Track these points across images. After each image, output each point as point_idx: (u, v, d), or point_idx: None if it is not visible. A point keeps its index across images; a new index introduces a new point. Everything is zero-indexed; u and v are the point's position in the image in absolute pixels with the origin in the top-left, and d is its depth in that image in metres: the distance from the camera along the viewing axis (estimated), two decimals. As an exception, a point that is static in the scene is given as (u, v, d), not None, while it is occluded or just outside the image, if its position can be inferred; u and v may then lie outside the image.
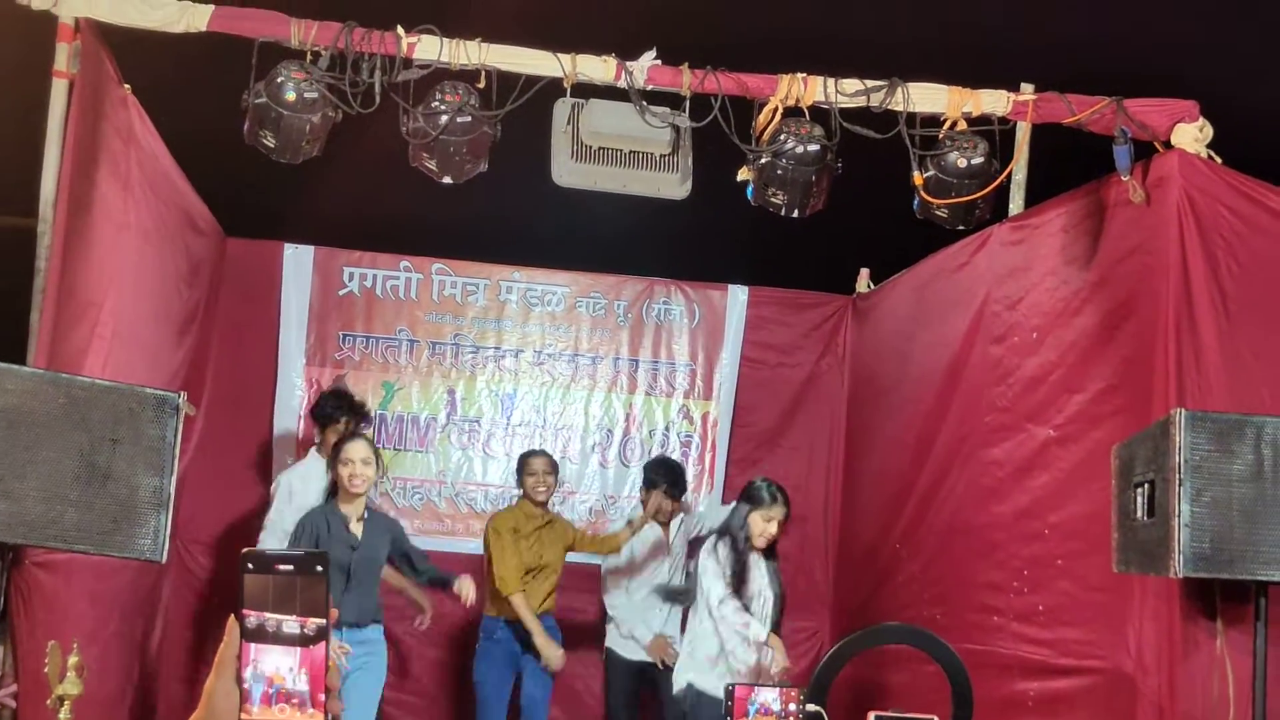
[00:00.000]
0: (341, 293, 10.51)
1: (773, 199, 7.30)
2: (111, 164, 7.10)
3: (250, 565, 2.05)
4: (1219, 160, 6.53)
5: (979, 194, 7.18)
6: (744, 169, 7.27)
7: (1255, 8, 7.34)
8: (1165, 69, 7.32)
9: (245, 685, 2.05)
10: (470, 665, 9.40)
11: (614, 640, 9.77)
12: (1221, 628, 5.86)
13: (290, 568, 2.04)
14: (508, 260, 10.73)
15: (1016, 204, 7.64)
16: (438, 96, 7.07)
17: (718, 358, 10.86)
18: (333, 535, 8.22)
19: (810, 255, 9.99)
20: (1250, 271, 6.37)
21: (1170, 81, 6.87)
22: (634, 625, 9.58)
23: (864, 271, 10.63)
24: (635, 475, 10.55)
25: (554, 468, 9.46)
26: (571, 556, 9.51)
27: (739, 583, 8.36)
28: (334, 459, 8.39)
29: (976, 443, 8.02)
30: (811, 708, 5.27)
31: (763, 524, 8.40)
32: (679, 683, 8.58)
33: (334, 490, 8.38)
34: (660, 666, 9.48)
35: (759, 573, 8.43)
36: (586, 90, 7.31)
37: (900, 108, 7.19)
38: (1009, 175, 7.40)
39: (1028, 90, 7.28)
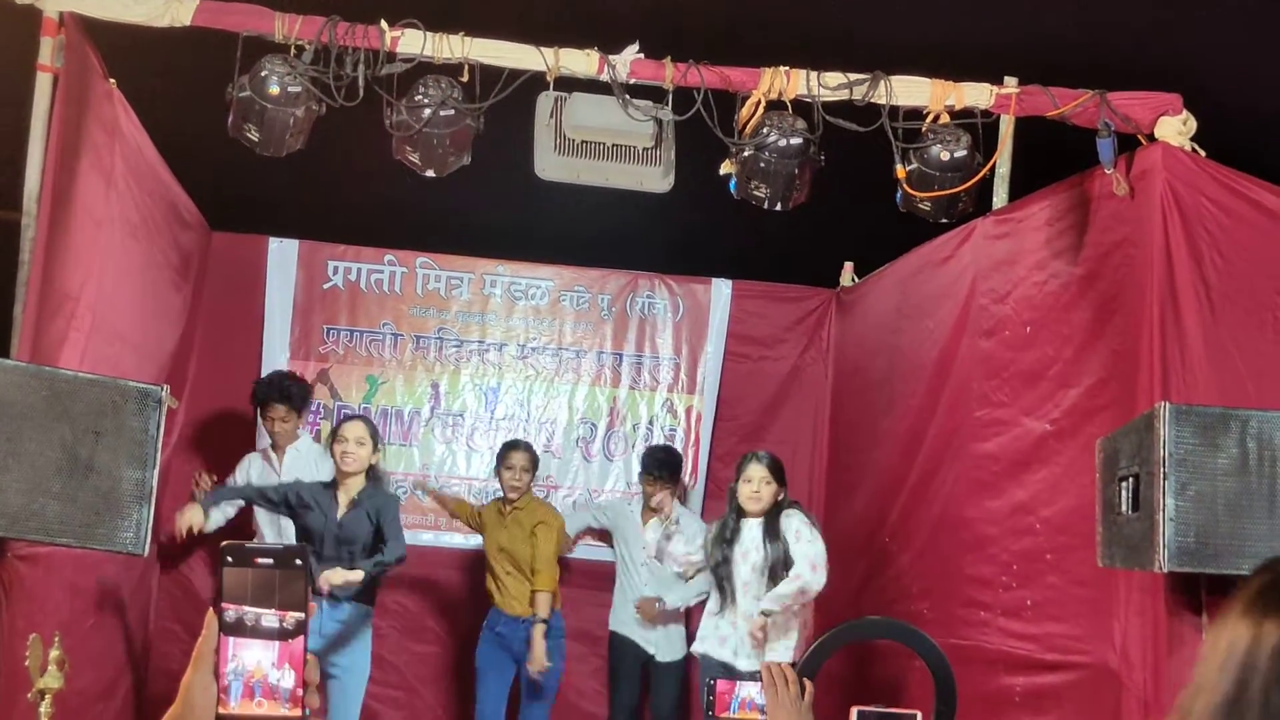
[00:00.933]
0: (326, 286, 10.50)
1: (755, 192, 7.29)
2: (96, 158, 7.08)
3: (229, 559, 2.05)
4: (1203, 153, 6.53)
5: (962, 187, 7.17)
6: (727, 162, 7.27)
7: (1239, 1, 7.34)
8: (1149, 62, 7.34)
9: (224, 679, 2.05)
10: (456, 658, 9.43)
11: (618, 619, 9.85)
12: (1206, 622, 5.85)
13: (269, 561, 2.04)
14: (492, 254, 10.73)
15: (1000, 197, 7.64)
16: (421, 90, 7.06)
17: (701, 351, 10.86)
18: (309, 503, 8.46)
19: (794, 249, 10.00)
20: (1234, 264, 6.37)
21: (1154, 74, 6.88)
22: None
23: (848, 265, 10.63)
24: (619, 469, 10.57)
25: (533, 463, 9.46)
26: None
27: (726, 544, 8.55)
28: (333, 437, 8.55)
29: (967, 437, 8.02)
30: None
31: (744, 486, 8.52)
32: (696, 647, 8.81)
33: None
34: (668, 656, 9.72)
35: (750, 534, 8.51)
36: (569, 84, 7.30)
37: (883, 101, 7.18)
38: (992, 168, 7.40)
39: (1011, 83, 7.27)
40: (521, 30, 7.15)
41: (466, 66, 7.08)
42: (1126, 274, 6.56)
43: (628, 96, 7.23)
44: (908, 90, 7.22)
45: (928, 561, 8.46)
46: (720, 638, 8.51)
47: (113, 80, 7.25)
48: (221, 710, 2.05)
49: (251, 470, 9.44)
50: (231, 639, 2.05)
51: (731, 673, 7.26)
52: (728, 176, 7.31)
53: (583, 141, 7.45)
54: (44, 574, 6.82)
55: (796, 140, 7.16)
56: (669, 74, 7.17)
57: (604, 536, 10.26)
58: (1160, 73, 6.90)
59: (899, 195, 7.28)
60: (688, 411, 10.82)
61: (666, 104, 7.29)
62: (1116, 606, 6.38)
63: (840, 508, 10.19)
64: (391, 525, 8.53)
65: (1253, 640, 2.13)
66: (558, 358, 10.76)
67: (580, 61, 7.17)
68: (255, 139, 7.02)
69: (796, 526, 8.48)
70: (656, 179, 7.57)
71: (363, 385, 10.45)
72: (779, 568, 8.39)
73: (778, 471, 8.61)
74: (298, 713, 2.07)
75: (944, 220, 7.47)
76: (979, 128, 7.27)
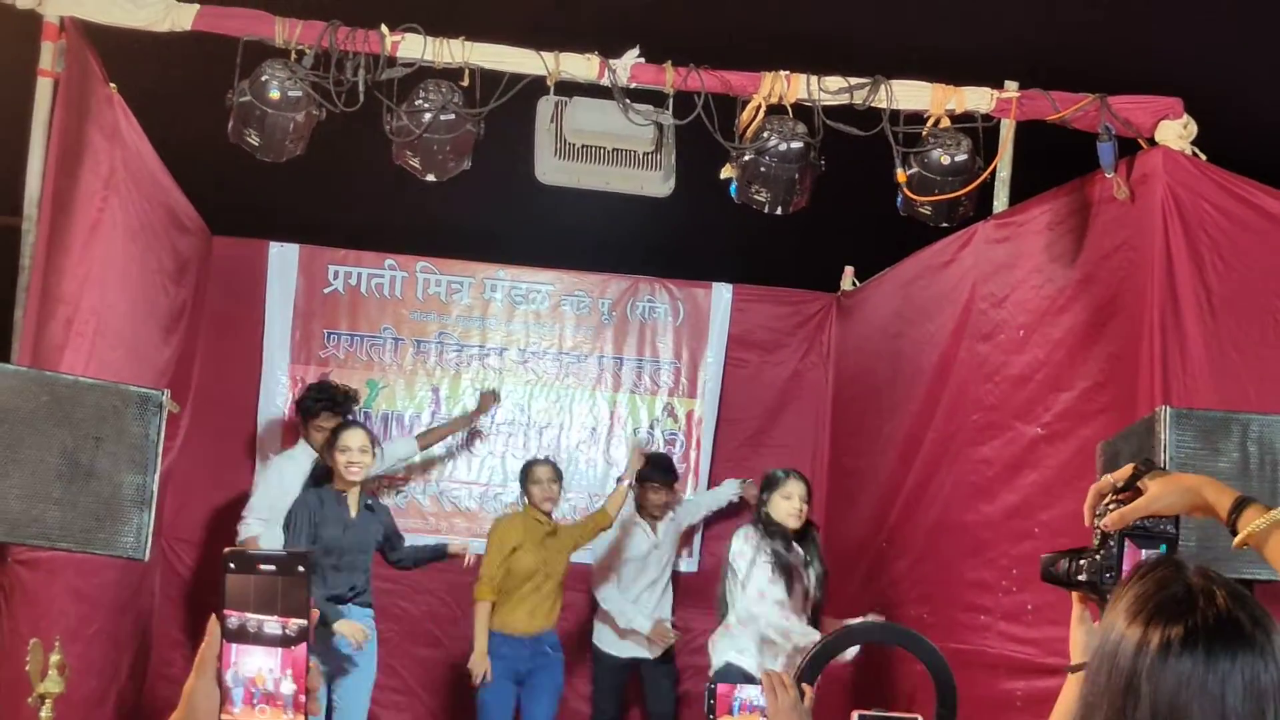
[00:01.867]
0: (326, 291, 10.49)
1: (756, 196, 7.30)
2: (96, 163, 7.09)
3: (232, 565, 2.05)
4: (1203, 157, 6.53)
5: (962, 191, 7.18)
6: (727, 166, 7.27)
7: (1239, 5, 7.34)
8: (1149, 66, 7.33)
9: (226, 686, 2.05)
10: (458, 661, 9.40)
11: (601, 637, 9.78)
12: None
13: (272, 568, 2.04)
14: (492, 258, 10.72)
15: (1000, 201, 7.64)
16: (421, 95, 7.07)
17: (702, 356, 10.85)
18: (326, 513, 8.33)
19: (794, 253, 9.99)
20: (1235, 268, 6.37)
21: (1154, 78, 6.88)
22: (632, 618, 9.56)
23: (848, 269, 10.62)
24: (620, 473, 10.55)
25: (559, 476, 9.38)
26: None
27: (782, 569, 8.18)
28: (330, 446, 8.44)
29: (964, 441, 8.01)
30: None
31: (784, 502, 8.27)
32: (717, 661, 8.48)
33: (324, 478, 8.43)
34: (659, 655, 9.65)
35: (799, 553, 8.34)
36: (570, 88, 7.31)
37: (883, 105, 7.19)
38: (993, 172, 7.40)
39: (1011, 87, 7.28)
40: (522, 34, 7.16)
41: (467, 71, 7.08)
42: (1127, 278, 6.56)
43: (628, 101, 7.24)
44: (908, 94, 7.23)
45: (927, 566, 8.46)
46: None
47: (113, 85, 7.25)
48: (224, 716, 2.05)
49: (284, 472, 9.21)
50: (234, 645, 2.05)
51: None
52: (728, 181, 7.31)
53: (583, 146, 7.46)
54: (45, 579, 6.82)
55: (797, 144, 7.17)
56: (669, 78, 7.18)
57: None
58: (1161, 76, 6.90)
59: (899, 199, 7.29)
60: (688, 416, 10.81)
61: (667, 108, 7.30)
62: (1118, 610, 6.37)
63: (841, 512, 10.18)
64: (395, 528, 8.83)
65: (1139, 643, 2.16)
66: (558, 362, 10.74)
67: (581, 66, 7.17)
68: (256, 144, 7.03)
69: (817, 538, 8.50)
70: (657, 183, 7.58)
71: (363, 389, 10.42)
72: (823, 582, 8.37)
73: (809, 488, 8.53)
74: (300, 719, 2.07)
75: (944, 224, 7.47)
76: (979, 132, 7.27)
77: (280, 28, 6.97)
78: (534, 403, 10.71)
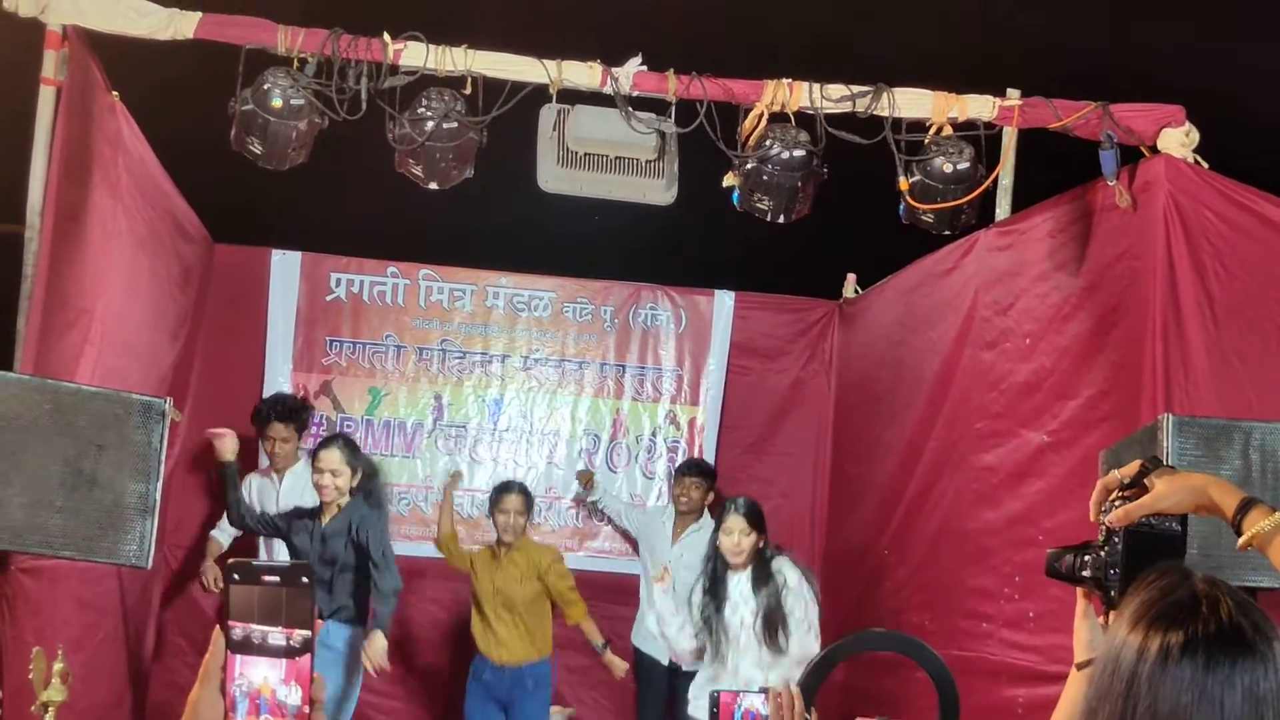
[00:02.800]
0: (329, 298, 10.50)
1: (758, 204, 7.30)
2: (100, 171, 7.09)
3: (236, 576, 2.05)
4: (1205, 165, 6.54)
5: (964, 199, 7.18)
6: (730, 174, 7.27)
7: (1242, 12, 7.34)
8: (1151, 74, 7.34)
9: (231, 697, 2.05)
10: (450, 670, 9.41)
11: (641, 639, 9.81)
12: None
13: (276, 579, 2.04)
14: (494, 266, 10.73)
15: (1003, 209, 7.65)
16: (424, 103, 7.07)
17: (704, 363, 10.86)
18: (297, 525, 8.40)
19: (796, 260, 10.00)
20: (1236, 276, 6.37)
21: (1156, 86, 6.88)
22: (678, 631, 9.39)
23: (850, 276, 10.63)
24: (621, 481, 10.57)
25: (528, 506, 9.14)
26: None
27: (715, 597, 7.83)
28: (313, 463, 8.42)
29: (967, 448, 8.01)
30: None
31: (724, 538, 7.81)
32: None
33: None
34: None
35: (734, 587, 7.82)
36: (572, 96, 7.31)
37: (886, 113, 7.19)
38: (995, 180, 7.41)
39: (1014, 95, 7.28)
40: (524, 43, 7.16)
41: (469, 79, 7.09)
42: (1129, 286, 6.57)
43: (630, 109, 7.24)
44: (910, 102, 7.24)
45: (929, 573, 8.46)
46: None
47: (116, 93, 7.26)
48: (228, 726, 2.06)
49: (251, 491, 9.32)
50: (238, 656, 2.05)
51: None
52: (730, 188, 7.31)
53: (586, 154, 7.46)
54: (48, 587, 6.82)
55: (799, 152, 7.17)
56: (672, 86, 7.18)
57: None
58: (1163, 85, 6.90)
59: (902, 207, 7.28)
60: (690, 423, 10.81)
61: (669, 116, 7.30)
62: (1120, 618, 6.37)
63: (843, 520, 10.19)
64: (378, 549, 8.28)
65: (1140, 649, 2.17)
66: (560, 369, 10.75)
67: (583, 74, 7.18)
68: (258, 152, 7.03)
69: (787, 574, 7.80)
70: (659, 191, 7.58)
71: (365, 397, 10.45)
72: (775, 616, 7.69)
73: (756, 519, 7.86)
74: (304, 730, 2.07)
75: (947, 232, 7.47)
76: (982, 140, 7.27)
77: (282, 36, 6.97)
78: (535, 410, 10.71)
